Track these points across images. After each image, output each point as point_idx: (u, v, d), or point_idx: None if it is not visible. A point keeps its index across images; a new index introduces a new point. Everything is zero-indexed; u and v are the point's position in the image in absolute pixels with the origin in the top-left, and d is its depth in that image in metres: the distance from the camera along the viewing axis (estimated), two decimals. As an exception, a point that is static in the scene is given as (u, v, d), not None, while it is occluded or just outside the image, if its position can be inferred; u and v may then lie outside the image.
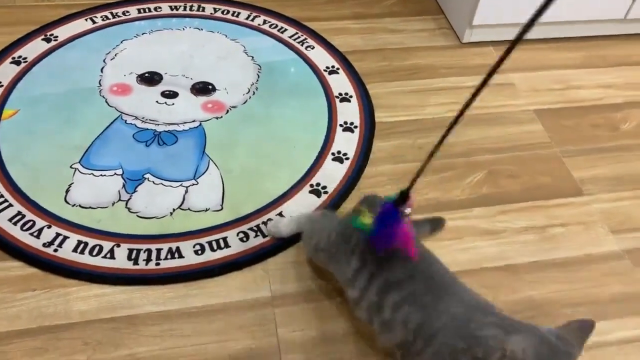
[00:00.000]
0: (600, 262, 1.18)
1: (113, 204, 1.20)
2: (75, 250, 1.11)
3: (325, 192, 1.25)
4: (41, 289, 1.06)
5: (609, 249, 1.21)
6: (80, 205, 1.19)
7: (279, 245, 1.15)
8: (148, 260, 1.11)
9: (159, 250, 1.13)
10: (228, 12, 1.69)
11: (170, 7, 1.68)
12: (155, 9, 1.67)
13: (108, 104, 1.40)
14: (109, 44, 1.55)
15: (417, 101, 1.49)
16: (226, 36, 1.61)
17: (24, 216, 1.16)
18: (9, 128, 1.33)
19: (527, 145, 1.41)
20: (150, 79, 1.47)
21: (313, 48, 1.61)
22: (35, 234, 1.13)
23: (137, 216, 1.18)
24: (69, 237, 1.13)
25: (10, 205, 1.18)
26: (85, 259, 1.10)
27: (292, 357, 1.00)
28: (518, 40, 0.57)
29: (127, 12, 1.65)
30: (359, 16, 1.74)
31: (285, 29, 1.66)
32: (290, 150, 1.34)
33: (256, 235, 1.16)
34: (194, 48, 1.56)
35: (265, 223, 1.18)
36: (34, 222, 1.15)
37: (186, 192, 1.23)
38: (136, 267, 1.10)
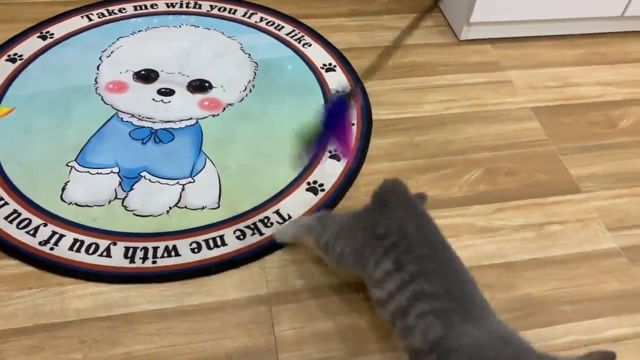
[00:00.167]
0: (598, 260, 1.18)
1: (109, 202, 1.19)
2: (71, 248, 1.11)
3: (322, 190, 1.25)
4: (37, 288, 1.06)
5: (606, 247, 1.20)
6: (76, 204, 1.18)
7: (276, 243, 1.14)
8: (144, 258, 1.11)
9: (155, 249, 1.12)
10: (225, 9, 1.69)
11: (167, 4, 1.68)
12: (152, 6, 1.67)
13: (104, 102, 1.39)
14: (105, 42, 1.54)
15: (414, 99, 1.49)
16: (223, 33, 1.61)
17: (19, 214, 1.16)
18: (5, 126, 1.32)
19: (524, 142, 1.41)
20: (147, 76, 1.46)
21: (310, 45, 1.60)
22: (31, 232, 1.13)
23: (134, 214, 1.17)
24: (65, 236, 1.13)
25: (6, 203, 1.17)
26: (82, 257, 1.10)
27: (289, 355, 1.00)
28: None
29: (124, 9, 1.65)
30: (356, 13, 1.74)
31: (282, 27, 1.65)
32: (287, 147, 1.33)
33: (253, 233, 1.16)
34: (191, 45, 1.56)
35: (262, 221, 1.18)
36: (30, 221, 1.15)
37: (183, 190, 1.23)
38: (133, 265, 1.09)
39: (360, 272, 0.97)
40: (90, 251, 1.11)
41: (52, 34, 1.56)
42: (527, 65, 1.62)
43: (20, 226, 1.14)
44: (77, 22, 1.60)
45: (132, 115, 1.36)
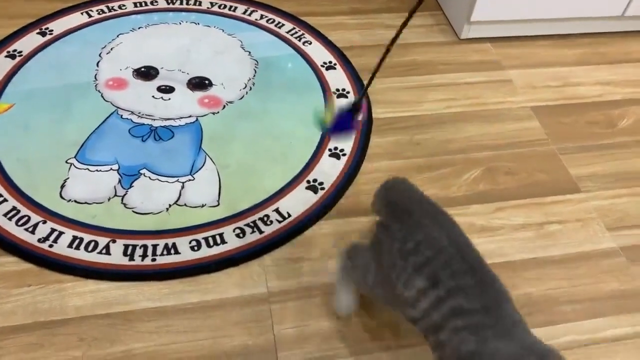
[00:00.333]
0: (598, 259, 1.18)
1: (109, 199, 1.19)
2: (70, 245, 1.11)
3: (322, 188, 1.25)
4: (36, 285, 1.05)
5: (606, 246, 1.21)
6: (75, 201, 1.18)
7: (275, 241, 1.14)
8: (144, 256, 1.10)
9: (155, 246, 1.12)
10: (225, 6, 1.68)
11: (167, 0, 1.67)
12: (152, 2, 1.66)
13: (104, 99, 1.39)
14: (105, 38, 1.54)
15: (414, 97, 1.49)
16: (223, 31, 1.60)
17: (19, 211, 1.15)
18: (4, 122, 1.32)
19: (524, 142, 1.41)
20: (147, 73, 1.46)
21: (310, 43, 1.60)
22: (30, 229, 1.13)
23: (133, 212, 1.17)
24: (64, 233, 1.12)
25: (5, 200, 1.17)
26: (81, 254, 1.09)
27: (288, 353, 1.00)
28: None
29: (124, 5, 1.64)
30: (357, 11, 1.74)
31: (283, 24, 1.65)
32: (287, 146, 1.33)
33: (252, 232, 1.16)
34: (191, 43, 1.55)
35: (262, 219, 1.18)
36: (29, 218, 1.14)
37: (182, 187, 1.22)
38: (132, 263, 1.09)
39: (391, 306, 0.91)
40: (90, 249, 1.10)
41: (52, 30, 1.55)
42: (527, 65, 1.62)
43: (19, 223, 1.13)
44: (76, 18, 1.59)
45: (132, 113, 1.36)
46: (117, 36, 1.55)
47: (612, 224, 1.25)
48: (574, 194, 1.30)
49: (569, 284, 1.14)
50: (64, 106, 1.36)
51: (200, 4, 1.68)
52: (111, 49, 1.51)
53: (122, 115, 1.35)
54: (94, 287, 1.06)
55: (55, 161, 1.25)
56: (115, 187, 1.21)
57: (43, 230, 1.13)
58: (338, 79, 1.51)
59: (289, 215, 1.19)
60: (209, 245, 1.13)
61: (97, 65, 1.47)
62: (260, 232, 1.16)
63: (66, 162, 1.25)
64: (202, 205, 1.20)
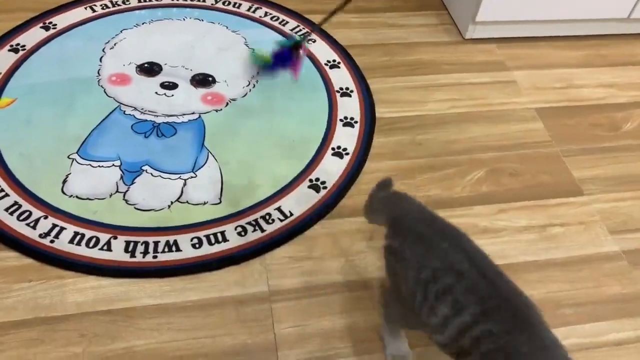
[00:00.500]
0: (600, 263, 1.18)
1: (111, 195, 1.19)
2: (71, 241, 1.10)
3: (325, 188, 1.24)
4: (37, 280, 1.05)
5: (608, 250, 1.20)
6: (77, 196, 1.18)
7: (277, 240, 1.14)
8: (145, 253, 1.10)
9: (156, 243, 1.12)
10: (229, 3, 1.68)
11: (171, -3, 1.67)
12: (156, -2, 1.66)
13: (107, 94, 1.39)
14: (108, 33, 1.54)
15: (418, 97, 1.49)
16: (227, 27, 1.60)
17: (20, 206, 1.15)
18: (6, 117, 1.31)
19: (528, 143, 1.40)
20: (150, 69, 1.45)
21: (314, 42, 1.60)
22: (31, 224, 1.12)
23: (135, 208, 1.17)
24: (65, 228, 1.12)
25: (7, 195, 1.17)
26: (82, 250, 1.09)
27: (289, 352, 1.00)
28: None
29: (127, 1, 1.64)
30: (361, 10, 1.73)
31: (287, 22, 1.64)
32: (290, 144, 1.33)
33: (254, 230, 1.16)
34: (195, 39, 1.55)
35: (263, 217, 1.18)
36: (31, 213, 1.14)
37: (185, 184, 1.22)
38: (133, 259, 1.09)
39: (425, 332, 0.89)
40: (91, 244, 1.10)
41: (55, 24, 1.55)
42: (532, 66, 1.61)
43: (20, 218, 1.13)
44: (80, 13, 1.59)
45: (135, 109, 1.36)
46: (121, 31, 1.54)
47: (614, 228, 1.24)
48: (577, 197, 1.30)
49: (571, 287, 1.13)
50: (67, 101, 1.36)
51: (204, 0, 1.67)
52: (115, 44, 1.51)
53: (124, 111, 1.35)
54: (95, 283, 1.06)
55: (57, 156, 1.24)
56: (117, 183, 1.21)
57: (44, 225, 1.12)
58: (342, 77, 1.50)
59: (291, 214, 1.19)
60: (210, 243, 1.13)
61: (101, 60, 1.47)
62: (262, 230, 1.16)
63: (68, 157, 1.24)
64: (204, 203, 1.19)
